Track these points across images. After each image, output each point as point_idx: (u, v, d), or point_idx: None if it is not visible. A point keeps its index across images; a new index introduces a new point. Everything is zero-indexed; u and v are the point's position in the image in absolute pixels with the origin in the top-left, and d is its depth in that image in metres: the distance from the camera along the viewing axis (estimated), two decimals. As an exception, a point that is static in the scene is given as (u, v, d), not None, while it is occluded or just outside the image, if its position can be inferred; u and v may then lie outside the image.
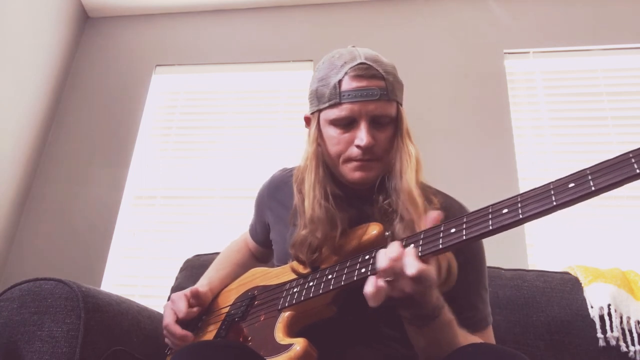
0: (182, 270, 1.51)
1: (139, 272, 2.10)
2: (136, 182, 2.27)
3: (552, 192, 0.58)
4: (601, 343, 1.20)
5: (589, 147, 2.03)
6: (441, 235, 0.67)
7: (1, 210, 2.10)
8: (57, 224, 2.18)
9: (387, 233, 0.83)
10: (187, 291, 1.00)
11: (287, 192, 1.00)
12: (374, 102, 0.85)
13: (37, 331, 0.89)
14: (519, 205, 0.61)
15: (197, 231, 2.13)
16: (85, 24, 2.60)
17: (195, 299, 0.99)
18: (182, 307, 0.96)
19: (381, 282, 0.66)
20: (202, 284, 1.05)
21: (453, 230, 0.66)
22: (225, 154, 2.26)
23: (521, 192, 2.01)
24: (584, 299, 1.27)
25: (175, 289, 1.44)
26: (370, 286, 0.67)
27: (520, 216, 0.60)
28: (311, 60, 2.32)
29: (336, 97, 0.86)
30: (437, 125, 2.09)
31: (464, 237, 0.64)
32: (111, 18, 2.60)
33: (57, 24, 2.40)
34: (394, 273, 0.66)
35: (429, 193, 0.88)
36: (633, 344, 1.20)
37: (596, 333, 1.21)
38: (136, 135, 2.31)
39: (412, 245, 0.68)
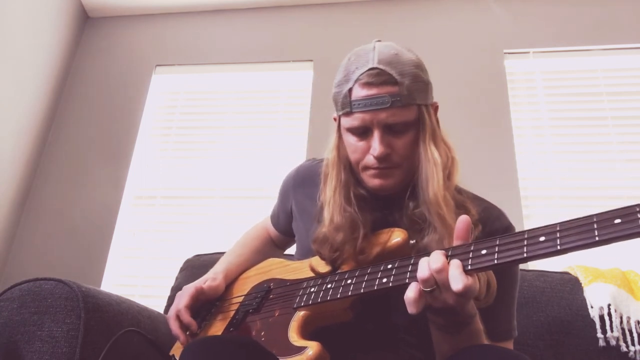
0: (182, 270, 1.51)
1: (139, 272, 2.10)
2: (136, 182, 2.27)
3: (596, 227, 0.55)
4: (601, 343, 1.20)
5: (589, 147, 2.03)
6: (471, 255, 0.64)
7: (1, 210, 2.10)
8: (57, 224, 2.18)
9: (412, 241, 0.81)
10: (198, 284, 0.99)
11: (314, 185, 0.98)
12: (385, 110, 0.82)
13: (37, 331, 0.89)
14: (558, 235, 0.58)
15: (197, 231, 2.13)
16: (85, 24, 2.61)
17: (201, 295, 0.99)
18: (181, 304, 0.96)
19: (423, 291, 0.65)
20: (217, 272, 1.05)
21: (484, 252, 0.63)
22: (225, 154, 2.26)
23: (522, 193, 1.98)
24: (584, 299, 1.26)
25: (175, 289, 1.44)
26: (412, 292, 0.65)
27: (558, 247, 0.57)
28: (311, 60, 2.32)
29: (348, 106, 0.85)
30: (437, 125, 2.08)
31: (495, 262, 0.61)
32: (111, 18, 2.60)
33: (57, 24, 2.40)
34: (436, 284, 0.64)
35: (465, 201, 0.85)
36: (633, 344, 1.20)
37: (596, 333, 1.21)
38: (136, 135, 2.31)
39: (458, 258, 0.65)
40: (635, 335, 1.21)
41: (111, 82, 2.45)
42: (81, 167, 2.28)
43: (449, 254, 0.66)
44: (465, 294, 0.61)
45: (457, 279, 0.61)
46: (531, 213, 1.93)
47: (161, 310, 1.30)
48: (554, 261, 1.80)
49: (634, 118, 2.04)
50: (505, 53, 2.20)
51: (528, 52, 2.19)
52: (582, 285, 1.30)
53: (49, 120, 2.38)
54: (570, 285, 1.30)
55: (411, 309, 0.65)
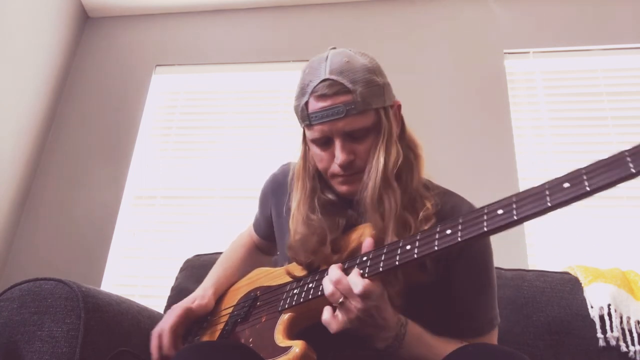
0: (182, 270, 1.51)
1: (139, 272, 2.10)
2: (136, 182, 2.27)
3: (547, 193, 0.58)
4: (601, 343, 1.20)
5: (589, 147, 2.02)
6: (437, 237, 0.66)
7: (1, 210, 2.10)
8: (57, 224, 2.18)
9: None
10: (184, 306, 0.99)
11: (287, 189, 1.01)
12: (341, 119, 0.83)
13: (37, 331, 0.89)
14: (514, 206, 0.60)
15: (197, 231, 2.13)
16: (85, 24, 2.60)
17: (191, 314, 0.99)
18: (167, 324, 0.96)
19: (335, 308, 0.71)
20: (207, 287, 1.06)
21: (449, 231, 0.65)
22: (225, 154, 2.26)
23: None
24: (584, 299, 1.26)
25: (175, 289, 1.44)
26: (325, 313, 0.72)
27: (515, 217, 0.59)
28: (311, 60, 2.32)
29: (307, 119, 0.87)
30: (437, 125, 2.09)
31: (459, 239, 0.64)
32: (111, 18, 2.60)
33: (57, 24, 2.40)
34: (341, 295, 0.70)
35: (426, 197, 0.87)
36: (633, 344, 1.20)
37: (596, 333, 1.21)
38: (136, 135, 2.31)
39: (356, 267, 0.73)
40: (635, 335, 1.21)
41: (111, 82, 2.45)
42: (81, 167, 2.28)
43: (345, 266, 0.75)
44: (368, 295, 0.68)
45: (357, 283, 0.69)
46: (531, 213, 1.93)
47: (161, 310, 1.30)
48: (554, 261, 1.80)
49: (634, 118, 2.03)
50: (505, 53, 2.20)
51: (528, 52, 2.19)
52: (582, 285, 1.30)
53: (49, 120, 2.38)
54: (570, 285, 1.30)
55: (332, 329, 0.72)
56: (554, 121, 2.08)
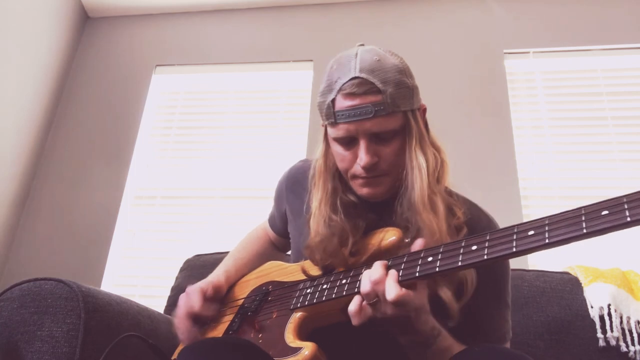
0: (182, 270, 1.51)
1: (139, 272, 2.10)
2: (136, 182, 2.27)
3: (583, 219, 0.55)
4: (601, 343, 1.20)
5: (589, 147, 2.02)
6: (461, 252, 0.65)
7: (1, 210, 2.10)
8: (57, 224, 2.18)
9: (406, 240, 0.81)
10: (203, 285, 0.98)
11: (305, 187, 0.99)
12: (368, 119, 0.81)
13: (37, 331, 0.89)
14: (547, 228, 0.58)
15: (197, 231, 2.13)
16: (85, 24, 2.61)
17: (213, 292, 0.98)
18: (196, 301, 0.94)
19: (365, 303, 0.68)
20: (219, 274, 1.04)
21: (474, 247, 0.63)
22: (225, 154, 2.26)
23: (522, 193, 1.99)
24: (584, 299, 1.27)
25: (175, 289, 1.45)
26: (353, 305, 0.69)
27: (547, 240, 0.57)
28: (311, 60, 2.32)
29: (332, 117, 0.84)
30: (436, 125, 2.07)
31: (485, 257, 0.62)
32: (111, 18, 2.60)
33: (57, 24, 2.40)
34: (376, 296, 0.68)
35: (455, 204, 0.85)
36: (633, 344, 1.20)
37: (596, 333, 1.21)
38: (136, 135, 2.31)
39: (396, 268, 0.69)
40: (635, 335, 1.21)
41: (111, 82, 2.45)
42: (81, 167, 2.28)
43: (390, 264, 0.70)
44: (399, 303, 0.65)
45: (391, 290, 0.65)
46: (531, 213, 1.93)
47: (161, 310, 1.30)
48: (554, 261, 1.80)
49: (634, 118, 2.03)
50: (505, 53, 2.20)
51: (528, 52, 2.19)
52: (582, 285, 1.30)
53: (49, 120, 2.38)
54: (570, 285, 1.30)
55: (354, 321, 0.69)
56: (554, 121, 2.08)
